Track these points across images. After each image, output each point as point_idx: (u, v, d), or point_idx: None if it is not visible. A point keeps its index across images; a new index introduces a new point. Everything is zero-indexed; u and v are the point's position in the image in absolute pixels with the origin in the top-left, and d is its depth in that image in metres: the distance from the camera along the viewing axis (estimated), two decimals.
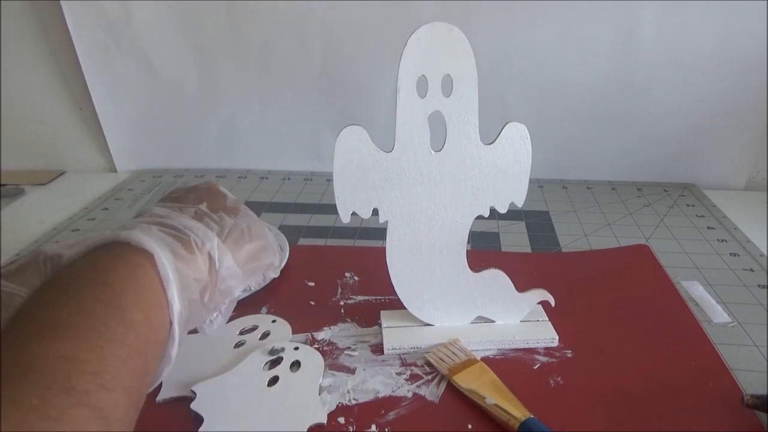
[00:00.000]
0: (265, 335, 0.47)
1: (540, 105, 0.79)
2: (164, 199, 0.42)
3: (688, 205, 0.75)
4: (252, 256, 0.41)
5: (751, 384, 0.42)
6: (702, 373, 0.43)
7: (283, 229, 0.66)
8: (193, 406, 0.39)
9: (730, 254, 0.61)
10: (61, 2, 0.76)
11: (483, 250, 0.63)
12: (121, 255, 0.31)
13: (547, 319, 0.48)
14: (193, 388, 0.41)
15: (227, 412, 0.39)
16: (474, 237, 0.65)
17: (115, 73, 0.82)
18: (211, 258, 0.36)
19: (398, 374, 0.43)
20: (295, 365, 0.43)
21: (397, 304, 0.47)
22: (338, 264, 0.58)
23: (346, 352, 0.45)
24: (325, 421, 0.38)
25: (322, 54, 0.79)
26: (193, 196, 0.42)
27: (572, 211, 0.73)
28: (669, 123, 0.79)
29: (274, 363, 0.43)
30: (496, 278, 0.46)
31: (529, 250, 0.63)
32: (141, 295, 0.30)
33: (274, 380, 0.41)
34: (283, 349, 0.44)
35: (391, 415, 0.39)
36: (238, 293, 0.41)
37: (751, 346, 0.46)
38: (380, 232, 0.47)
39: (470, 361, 0.43)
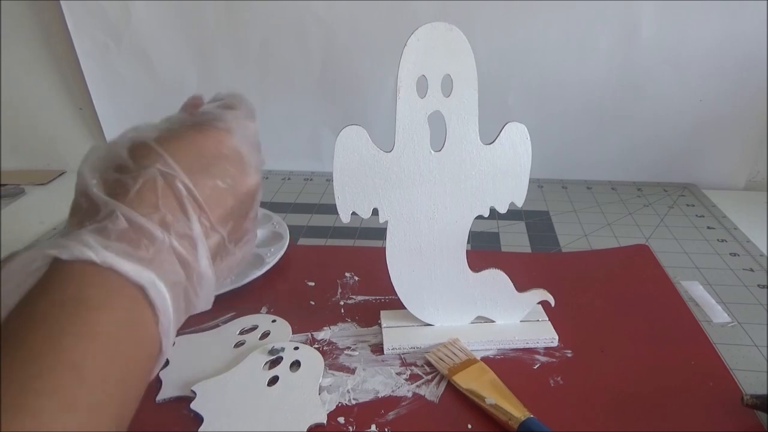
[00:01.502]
0: (265, 335, 0.47)
1: (540, 105, 0.79)
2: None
3: (688, 205, 0.75)
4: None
5: (751, 384, 0.42)
6: (702, 373, 0.43)
7: None
8: (193, 405, 0.39)
9: (730, 254, 0.61)
10: (61, 2, 0.76)
11: (483, 250, 0.63)
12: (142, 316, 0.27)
13: (547, 319, 0.48)
14: (193, 388, 0.41)
15: (227, 412, 0.39)
16: (474, 237, 0.65)
17: (115, 73, 0.82)
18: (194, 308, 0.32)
19: (398, 374, 0.43)
20: (295, 365, 0.43)
21: (397, 304, 0.47)
22: (338, 264, 0.58)
23: (346, 352, 0.45)
24: (325, 421, 0.38)
25: (322, 54, 0.79)
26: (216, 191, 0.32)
27: (572, 211, 0.73)
28: (669, 123, 0.79)
29: (274, 363, 0.43)
30: (496, 278, 0.46)
31: (529, 250, 0.63)
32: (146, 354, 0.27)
33: (274, 380, 0.41)
34: (283, 349, 0.44)
35: (391, 414, 0.39)
36: None
37: (751, 346, 0.46)
38: (380, 232, 0.47)
39: (470, 361, 0.43)
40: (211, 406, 0.39)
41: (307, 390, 0.41)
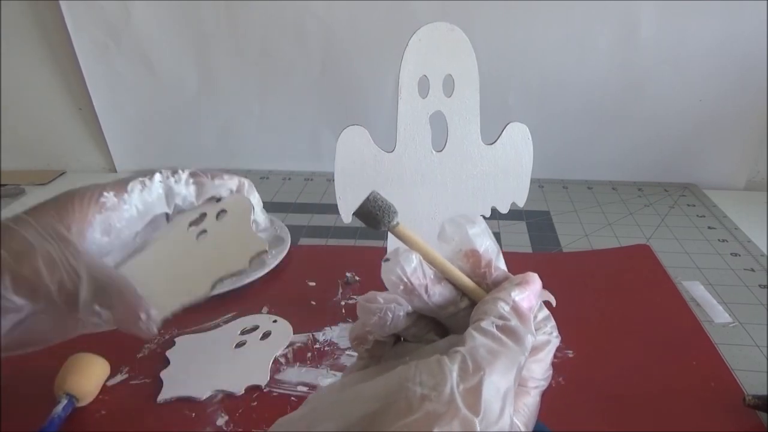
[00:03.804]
0: (266, 335, 0.47)
1: (540, 105, 0.79)
2: None
3: (688, 205, 0.75)
4: None
5: (752, 384, 0.42)
6: (703, 374, 0.43)
7: None
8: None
9: (731, 254, 0.61)
10: (61, 2, 0.76)
11: None
12: None
13: None
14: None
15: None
16: None
17: (115, 73, 0.82)
18: None
19: None
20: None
21: None
22: (339, 264, 0.58)
23: (347, 352, 0.45)
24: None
25: (322, 54, 0.79)
26: None
27: (573, 211, 0.73)
28: (669, 123, 0.79)
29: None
30: None
31: (529, 250, 0.63)
32: None
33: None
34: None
35: None
36: None
37: (753, 346, 0.46)
38: (381, 232, 0.47)
39: None
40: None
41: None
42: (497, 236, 0.66)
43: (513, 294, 0.24)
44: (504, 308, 0.23)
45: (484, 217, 0.44)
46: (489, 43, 0.75)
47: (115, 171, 0.91)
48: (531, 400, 0.23)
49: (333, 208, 0.42)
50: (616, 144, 0.81)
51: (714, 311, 0.51)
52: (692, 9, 0.71)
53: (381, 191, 0.41)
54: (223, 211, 0.39)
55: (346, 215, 0.42)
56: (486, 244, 0.26)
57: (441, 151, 0.42)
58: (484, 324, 0.22)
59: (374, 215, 0.25)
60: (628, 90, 0.77)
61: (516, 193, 0.43)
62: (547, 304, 0.49)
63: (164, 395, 0.41)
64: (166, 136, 0.88)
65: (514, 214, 0.71)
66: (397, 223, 0.25)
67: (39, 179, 0.86)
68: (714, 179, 0.82)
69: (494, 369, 0.20)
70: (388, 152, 0.41)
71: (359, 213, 0.25)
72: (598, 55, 0.75)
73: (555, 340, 0.25)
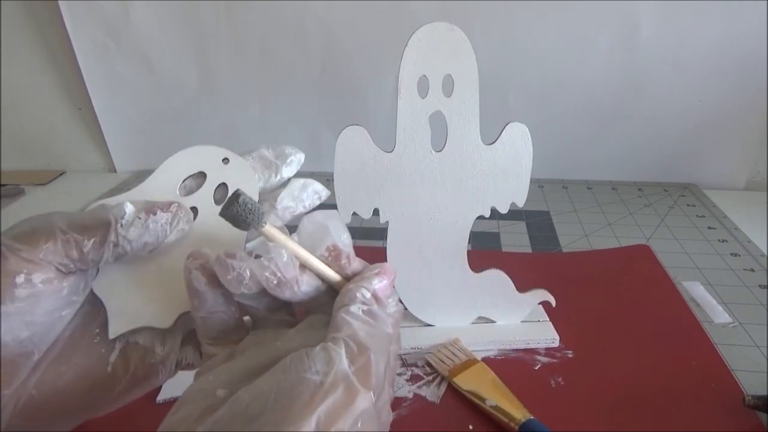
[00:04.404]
0: None
1: (540, 105, 0.79)
2: None
3: (688, 205, 0.75)
4: None
5: (752, 385, 0.42)
6: (703, 374, 0.43)
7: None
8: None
9: (731, 254, 0.61)
10: (60, 2, 0.76)
11: (484, 250, 0.63)
12: None
13: (548, 319, 0.48)
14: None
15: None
16: (474, 237, 0.65)
17: (114, 73, 0.82)
18: None
19: (399, 375, 0.43)
20: None
21: None
22: None
23: None
24: None
25: (322, 54, 0.79)
26: None
27: (573, 211, 0.73)
28: (669, 123, 0.79)
29: None
30: (497, 278, 0.46)
31: (529, 250, 0.63)
32: None
33: None
34: None
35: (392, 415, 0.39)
36: None
37: (752, 347, 0.46)
38: (381, 232, 0.47)
39: (471, 362, 0.43)
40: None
41: None
42: (497, 236, 0.66)
43: (373, 282, 0.27)
44: (366, 295, 0.26)
45: (484, 217, 0.44)
46: (489, 43, 0.75)
47: (115, 171, 0.91)
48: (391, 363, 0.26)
49: (333, 208, 0.42)
50: (616, 144, 0.81)
51: (714, 311, 0.51)
52: (692, 9, 0.71)
53: (380, 191, 0.42)
54: (224, 185, 0.30)
55: (346, 215, 0.42)
56: (343, 237, 0.29)
57: (440, 151, 0.41)
58: (353, 309, 0.25)
59: (244, 218, 0.25)
60: (628, 90, 0.77)
61: (515, 193, 0.43)
62: (546, 304, 0.49)
63: (164, 395, 0.41)
64: (166, 136, 0.88)
65: (514, 214, 0.71)
66: (266, 223, 0.26)
67: (39, 179, 0.86)
68: (714, 179, 0.82)
69: (374, 348, 0.23)
70: (387, 152, 0.41)
71: (227, 215, 0.25)
72: (598, 55, 0.75)
73: (401, 309, 0.28)
